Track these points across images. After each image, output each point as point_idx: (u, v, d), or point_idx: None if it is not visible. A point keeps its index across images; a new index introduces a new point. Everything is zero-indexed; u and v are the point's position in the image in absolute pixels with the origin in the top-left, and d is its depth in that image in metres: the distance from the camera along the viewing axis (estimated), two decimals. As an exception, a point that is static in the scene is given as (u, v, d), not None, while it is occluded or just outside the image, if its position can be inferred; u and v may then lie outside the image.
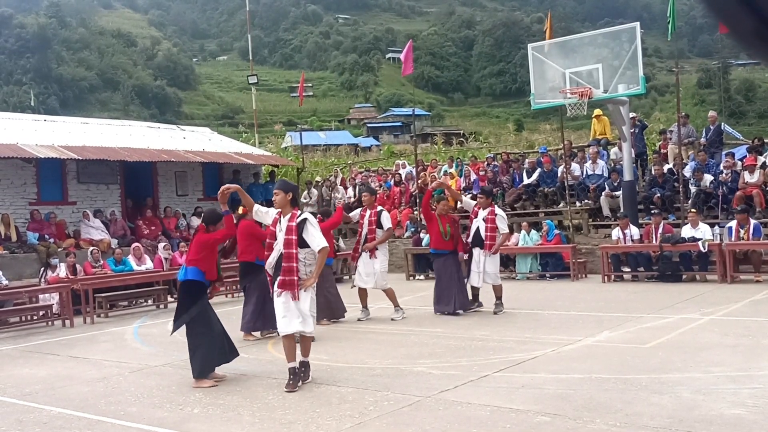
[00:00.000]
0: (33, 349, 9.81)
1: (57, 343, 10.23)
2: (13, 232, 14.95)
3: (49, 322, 12.22)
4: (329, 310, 10.43)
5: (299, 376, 6.58)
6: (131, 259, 14.57)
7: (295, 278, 6.39)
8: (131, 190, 18.34)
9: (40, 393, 7.01)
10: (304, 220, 6.51)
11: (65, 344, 10.12)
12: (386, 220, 10.67)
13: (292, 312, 6.45)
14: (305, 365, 6.74)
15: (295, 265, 6.40)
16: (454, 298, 10.58)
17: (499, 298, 10.76)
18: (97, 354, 9.10)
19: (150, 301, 14.10)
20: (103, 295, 12.90)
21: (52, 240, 15.23)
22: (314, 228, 6.50)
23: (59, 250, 14.80)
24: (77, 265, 13.62)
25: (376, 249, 10.46)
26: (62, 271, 13.36)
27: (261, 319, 9.47)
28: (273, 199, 6.73)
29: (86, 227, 16.20)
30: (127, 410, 6.13)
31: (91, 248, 14.62)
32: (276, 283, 6.51)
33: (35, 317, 12.36)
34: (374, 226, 10.51)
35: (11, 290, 12.46)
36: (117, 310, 13.54)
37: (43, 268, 13.70)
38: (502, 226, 10.66)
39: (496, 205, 11.16)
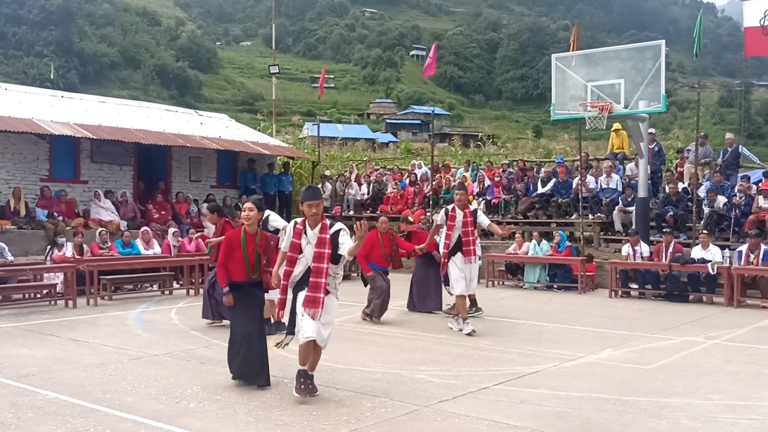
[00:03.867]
0: (34, 329, 9.84)
1: (58, 324, 10.26)
2: (23, 207, 14.99)
3: (52, 302, 12.24)
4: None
5: (312, 380, 6.25)
6: (139, 243, 14.59)
7: (322, 295, 5.98)
8: (144, 173, 18.38)
9: (36, 375, 7.02)
10: (339, 231, 6.08)
11: (66, 326, 10.15)
12: (483, 217, 10.04)
13: (318, 327, 6.09)
14: (310, 378, 6.32)
15: (323, 280, 5.99)
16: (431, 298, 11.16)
17: (474, 302, 10.99)
18: (97, 338, 9.11)
19: (155, 287, 14.11)
20: (108, 277, 12.90)
21: (60, 218, 15.27)
22: (346, 237, 6.08)
23: (67, 228, 14.84)
24: (84, 245, 13.63)
25: (476, 251, 9.71)
26: (69, 250, 13.38)
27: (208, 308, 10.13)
28: (307, 211, 6.09)
29: (96, 207, 16.24)
30: (123, 400, 6.12)
31: (100, 229, 14.64)
32: (300, 298, 6.08)
33: (38, 296, 12.39)
34: (471, 227, 9.58)
35: (16, 267, 12.45)
36: (121, 293, 13.56)
37: (49, 246, 13.72)
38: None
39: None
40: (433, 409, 5.90)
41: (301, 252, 6.13)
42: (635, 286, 14.05)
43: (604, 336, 9.55)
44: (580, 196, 16.17)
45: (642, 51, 14.20)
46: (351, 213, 20.23)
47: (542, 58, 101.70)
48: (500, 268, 16.07)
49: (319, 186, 21.24)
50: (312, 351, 6.19)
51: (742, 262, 12.86)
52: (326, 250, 5.99)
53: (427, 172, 20.30)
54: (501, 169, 19.50)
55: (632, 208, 15.51)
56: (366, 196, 20.64)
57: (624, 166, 17.61)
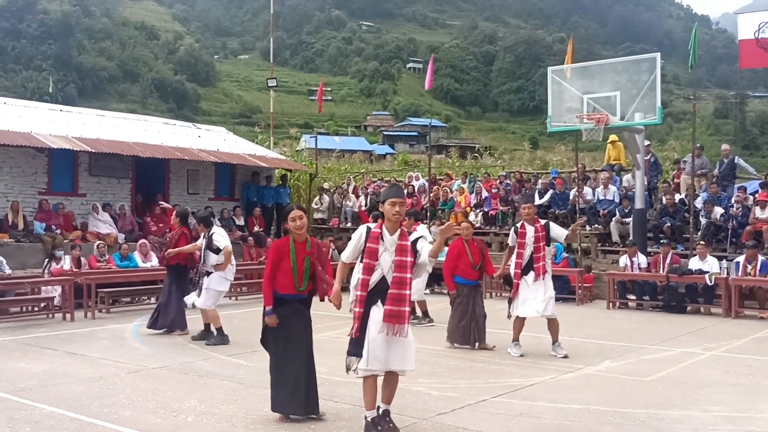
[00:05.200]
0: (31, 342, 9.81)
1: (56, 337, 10.23)
2: (21, 221, 14.98)
3: (50, 315, 12.19)
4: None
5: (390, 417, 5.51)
6: (137, 256, 14.58)
7: (407, 309, 5.33)
8: (142, 186, 18.38)
9: (34, 389, 6.99)
10: (418, 238, 5.56)
11: (64, 339, 10.12)
12: (559, 228, 9.16)
13: (394, 349, 5.36)
14: (388, 415, 5.54)
15: (407, 292, 5.34)
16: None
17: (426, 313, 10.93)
18: (95, 351, 9.09)
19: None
20: (105, 290, 12.87)
21: (58, 231, 15.24)
22: (425, 242, 5.55)
23: (65, 242, 14.81)
24: (82, 258, 13.62)
25: (546, 268, 8.87)
26: (66, 263, 13.36)
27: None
28: (390, 209, 5.41)
29: (94, 220, 16.22)
30: (121, 414, 6.11)
31: (98, 242, 14.64)
32: (377, 312, 5.34)
33: (36, 309, 12.36)
34: (542, 243, 8.79)
35: (13, 280, 12.43)
36: (119, 306, 13.53)
37: (47, 259, 13.69)
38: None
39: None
40: (431, 422, 5.88)
41: (377, 259, 5.45)
42: (633, 297, 14.05)
43: (602, 348, 9.55)
44: (577, 208, 16.21)
45: (637, 63, 14.30)
46: (349, 225, 20.24)
47: (538, 70, 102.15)
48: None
49: (317, 198, 21.27)
50: (376, 391, 5.47)
51: (740, 273, 12.88)
52: (408, 258, 5.36)
53: (424, 184, 20.33)
54: (498, 181, 19.55)
55: (629, 220, 15.54)
56: (364, 208, 20.64)
57: (621, 178, 17.67)
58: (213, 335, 9.91)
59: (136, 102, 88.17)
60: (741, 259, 13.09)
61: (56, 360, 8.55)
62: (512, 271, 9.01)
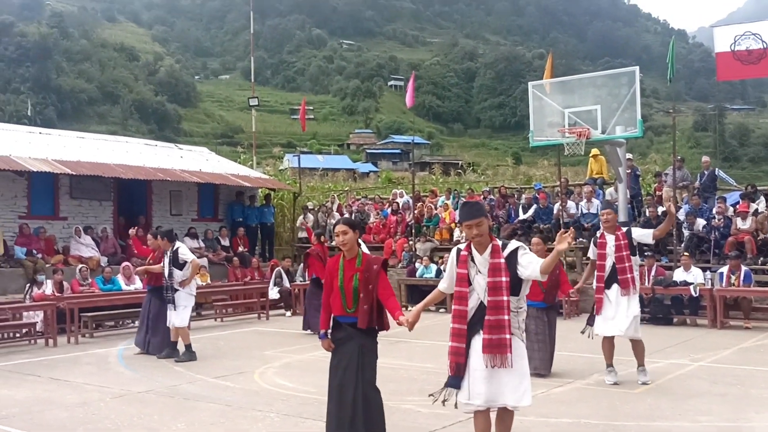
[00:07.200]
0: (13, 369, 9.64)
1: (38, 364, 10.06)
2: (1, 245, 14.78)
3: (32, 341, 12.00)
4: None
5: None
6: (120, 279, 14.43)
7: (507, 336, 4.69)
8: (124, 208, 18.24)
9: (16, 417, 6.87)
10: (516, 250, 4.83)
11: (47, 365, 9.96)
12: (641, 230, 8.43)
13: (501, 381, 4.78)
14: None
15: (505, 317, 4.71)
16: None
17: None
18: (78, 377, 8.95)
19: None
20: (89, 314, 12.70)
21: (40, 255, 15.06)
22: (530, 254, 4.84)
23: (47, 266, 14.64)
24: (64, 283, 13.45)
25: (634, 281, 7.99)
26: (48, 288, 13.19)
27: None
28: (467, 233, 4.92)
29: (76, 244, 16.06)
30: (105, 439, 6.01)
31: (80, 266, 14.47)
32: (478, 341, 4.79)
33: (18, 335, 12.14)
34: (626, 252, 7.95)
35: (-6, 306, 12.25)
36: (103, 330, 13.35)
37: (29, 285, 13.51)
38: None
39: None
40: (422, 440, 5.83)
41: (470, 284, 4.87)
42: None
43: (591, 361, 9.51)
44: (561, 222, 16.27)
45: (617, 77, 14.44)
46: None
47: (519, 86, 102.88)
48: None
49: (301, 217, 21.16)
50: (499, 420, 4.99)
51: (724, 284, 12.97)
52: (503, 278, 4.72)
53: (408, 201, 20.35)
54: (482, 197, 19.60)
55: (613, 233, 15.57)
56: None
57: (603, 191, 17.77)
58: (181, 352, 10.07)
59: (116, 124, 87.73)
60: (725, 269, 13.19)
61: (39, 386, 8.41)
62: (594, 285, 8.20)
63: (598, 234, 8.28)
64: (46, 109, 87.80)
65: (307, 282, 13.59)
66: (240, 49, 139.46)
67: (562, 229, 4.67)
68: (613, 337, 8.07)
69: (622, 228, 8.14)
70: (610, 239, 8.03)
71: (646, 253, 14.52)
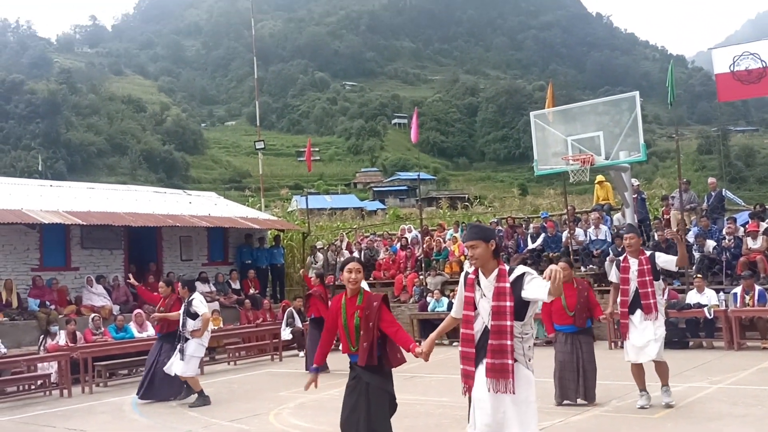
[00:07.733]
0: (29, 421, 9.64)
1: (54, 414, 10.05)
2: (15, 299, 14.88)
3: (47, 392, 12.01)
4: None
5: None
6: (133, 326, 14.45)
7: (510, 362, 4.56)
8: (135, 255, 18.33)
9: (33, 467, 6.85)
10: (523, 275, 4.68)
11: (62, 415, 9.94)
12: (665, 256, 8.31)
13: (506, 411, 4.60)
14: None
15: (508, 342, 4.59)
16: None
17: None
18: (93, 426, 8.93)
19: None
20: (102, 363, 12.72)
21: (53, 307, 15.13)
22: (537, 278, 4.64)
23: (60, 317, 14.69)
24: (77, 333, 13.50)
25: (657, 305, 7.96)
26: (62, 338, 13.23)
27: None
28: (470, 254, 4.85)
29: (88, 293, 16.14)
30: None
31: (93, 315, 14.53)
32: (481, 368, 4.68)
33: (33, 387, 12.17)
34: (649, 277, 7.93)
35: (9, 359, 12.27)
36: (116, 378, 13.35)
37: (42, 336, 13.57)
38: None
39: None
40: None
41: (475, 308, 4.79)
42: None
43: (607, 388, 9.43)
44: (570, 249, 16.24)
45: (617, 103, 14.55)
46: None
47: (521, 118, 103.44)
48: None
49: (311, 257, 21.21)
50: None
51: (738, 304, 12.86)
52: (507, 303, 4.61)
53: (417, 236, 20.39)
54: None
55: (623, 258, 15.53)
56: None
57: (611, 217, 17.75)
58: (196, 399, 10.08)
59: (125, 174, 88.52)
60: (738, 290, 13.08)
61: (55, 437, 8.40)
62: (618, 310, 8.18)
63: (621, 258, 8.25)
64: (57, 163, 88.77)
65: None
66: (245, 96, 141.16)
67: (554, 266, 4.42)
68: (640, 364, 8.03)
69: (646, 252, 8.10)
70: (634, 263, 8.00)
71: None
